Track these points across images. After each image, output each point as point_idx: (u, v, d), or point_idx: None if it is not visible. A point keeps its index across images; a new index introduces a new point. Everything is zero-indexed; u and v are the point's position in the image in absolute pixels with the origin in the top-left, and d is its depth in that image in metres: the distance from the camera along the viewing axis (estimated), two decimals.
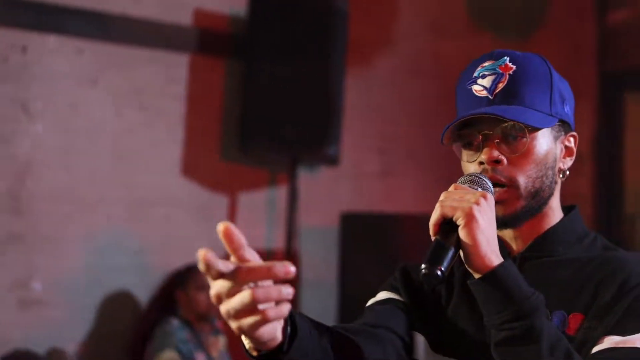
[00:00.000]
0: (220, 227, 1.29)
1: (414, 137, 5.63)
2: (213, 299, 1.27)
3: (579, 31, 6.36)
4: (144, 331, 4.46)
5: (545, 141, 1.64)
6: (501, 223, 1.61)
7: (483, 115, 1.60)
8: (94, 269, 4.61)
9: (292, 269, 1.24)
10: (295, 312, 1.41)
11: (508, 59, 1.65)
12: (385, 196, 5.56)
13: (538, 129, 1.62)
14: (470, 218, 1.45)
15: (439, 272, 1.44)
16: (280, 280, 1.26)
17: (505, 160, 1.61)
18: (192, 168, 4.94)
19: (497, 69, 1.63)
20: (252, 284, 1.25)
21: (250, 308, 1.24)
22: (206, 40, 4.99)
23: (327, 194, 5.37)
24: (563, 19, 6.25)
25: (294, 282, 5.63)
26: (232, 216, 5.04)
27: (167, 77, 4.88)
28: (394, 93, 5.64)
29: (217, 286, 1.26)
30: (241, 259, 1.28)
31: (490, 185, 1.59)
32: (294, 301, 5.08)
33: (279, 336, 1.33)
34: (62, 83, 4.60)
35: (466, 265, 1.50)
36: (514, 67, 1.63)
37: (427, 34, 5.75)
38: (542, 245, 1.67)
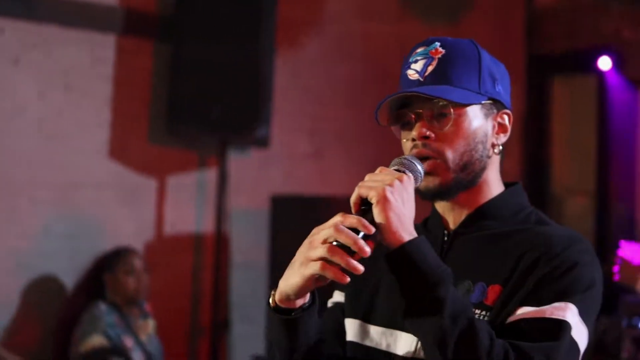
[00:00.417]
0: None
1: (344, 119, 5.64)
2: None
3: (507, 15, 6.43)
4: (71, 316, 4.40)
5: (475, 117, 1.73)
6: (436, 194, 1.74)
7: (412, 94, 1.71)
8: (20, 253, 4.53)
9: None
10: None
11: (439, 44, 1.75)
12: (316, 178, 5.57)
13: (463, 106, 1.71)
14: (381, 198, 1.55)
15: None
16: None
17: (433, 136, 1.71)
18: (120, 151, 4.87)
19: (428, 54, 1.74)
20: None
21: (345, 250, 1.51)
22: (133, 21, 4.92)
23: (258, 176, 5.35)
24: (491, 3, 6.31)
25: (224, 264, 5.58)
26: (161, 199, 5.00)
27: (93, 58, 4.80)
28: (324, 74, 5.63)
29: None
30: None
31: (420, 167, 1.69)
32: (224, 283, 5.07)
33: (307, 298, 1.64)
34: None
35: (383, 242, 1.58)
36: (444, 50, 1.74)
37: (357, 17, 5.75)
38: (475, 221, 1.77)
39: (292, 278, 1.58)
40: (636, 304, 3.87)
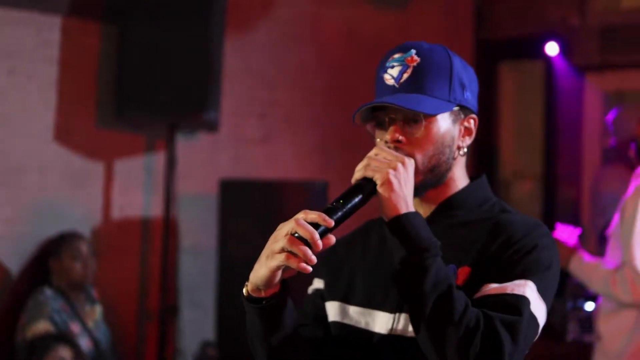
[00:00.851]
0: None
1: (293, 103, 5.63)
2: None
3: (456, 1, 6.46)
4: (16, 302, 4.35)
5: (444, 124, 1.90)
6: None
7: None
8: None
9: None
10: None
11: (415, 51, 1.91)
12: (265, 162, 5.55)
13: (434, 115, 1.88)
14: (385, 181, 1.75)
15: (341, 208, 1.73)
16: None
17: (405, 140, 1.87)
18: (66, 134, 4.81)
19: (404, 61, 1.90)
20: None
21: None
22: (79, 1, 4.85)
23: (206, 160, 5.32)
24: None
25: (172, 248, 5.53)
26: (108, 183, 4.95)
27: (38, 40, 4.72)
28: (273, 58, 5.61)
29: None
30: None
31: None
32: (172, 268, 5.04)
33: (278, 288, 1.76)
34: None
35: (383, 216, 1.77)
36: (419, 59, 1.90)
37: (307, 1, 5.74)
38: (443, 211, 1.94)
39: (260, 270, 1.72)
40: (581, 287, 3.93)
